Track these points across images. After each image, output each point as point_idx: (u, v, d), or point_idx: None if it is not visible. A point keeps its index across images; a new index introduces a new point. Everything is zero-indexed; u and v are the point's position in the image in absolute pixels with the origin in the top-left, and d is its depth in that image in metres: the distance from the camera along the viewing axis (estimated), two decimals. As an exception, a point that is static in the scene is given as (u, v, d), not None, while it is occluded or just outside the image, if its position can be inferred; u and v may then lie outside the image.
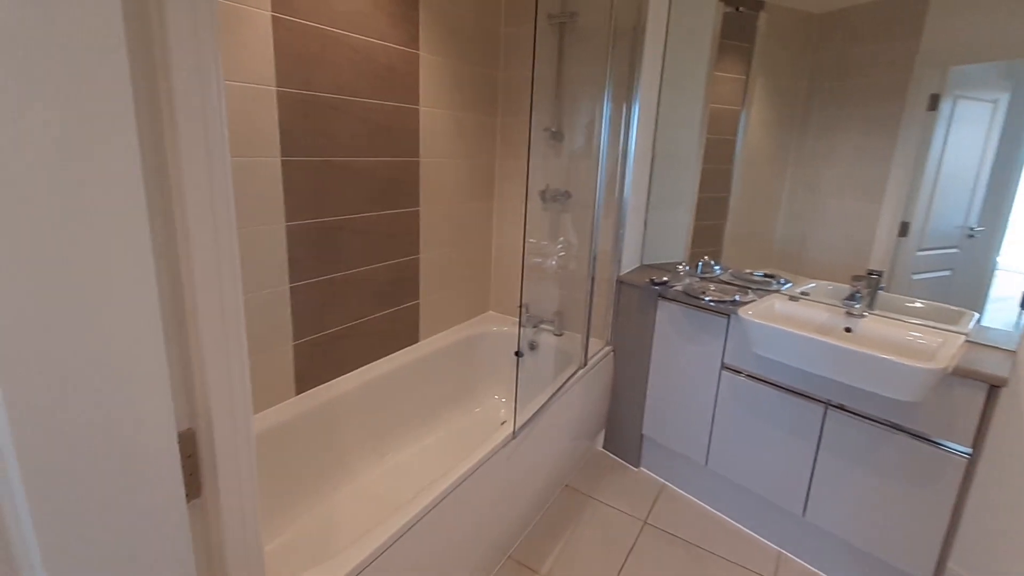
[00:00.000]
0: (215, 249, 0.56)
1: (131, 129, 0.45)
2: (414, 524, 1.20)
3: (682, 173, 2.15)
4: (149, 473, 0.52)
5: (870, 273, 1.56)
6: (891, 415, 1.44)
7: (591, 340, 2.09)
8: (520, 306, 2.14)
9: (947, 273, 1.68)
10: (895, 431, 1.43)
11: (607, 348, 2.17)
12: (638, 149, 2.00)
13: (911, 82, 1.66)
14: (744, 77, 2.00)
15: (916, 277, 1.70)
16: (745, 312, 1.58)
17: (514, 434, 1.52)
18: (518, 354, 2.33)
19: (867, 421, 1.48)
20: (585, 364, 2.02)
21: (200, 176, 0.53)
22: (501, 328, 2.40)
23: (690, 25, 2.01)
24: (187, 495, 0.57)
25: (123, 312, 0.47)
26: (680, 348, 1.92)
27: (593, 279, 2.05)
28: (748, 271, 1.99)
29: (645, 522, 1.88)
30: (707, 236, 2.13)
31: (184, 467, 0.56)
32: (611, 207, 2.06)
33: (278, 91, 1.43)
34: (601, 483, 2.09)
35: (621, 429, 2.22)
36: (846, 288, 1.68)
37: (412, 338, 2.13)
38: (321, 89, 1.54)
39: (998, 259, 1.55)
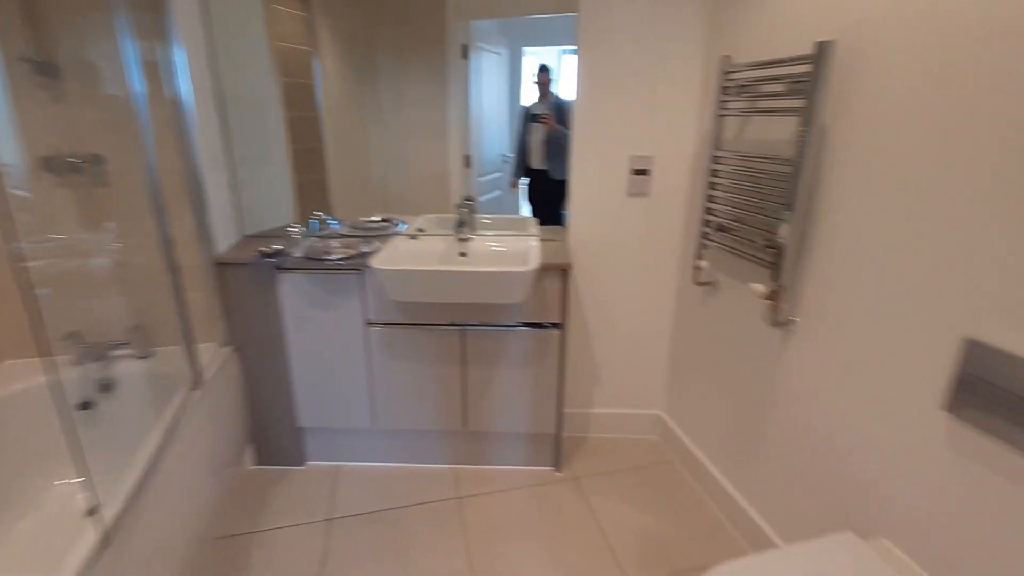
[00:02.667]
0: None
1: None
2: None
3: (265, 123, 1.83)
4: None
5: (466, 200, 1.75)
6: (507, 317, 1.69)
7: (201, 347, 1.60)
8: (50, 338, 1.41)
9: (499, 192, 2.07)
10: (513, 329, 1.70)
11: (226, 350, 1.72)
12: (197, 93, 1.55)
13: (447, 33, 1.86)
14: (306, 15, 1.80)
15: (483, 199, 2.02)
16: (376, 262, 1.51)
17: (107, 538, 1.00)
18: (84, 406, 1.59)
19: (494, 329, 1.70)
20: (199, 381, 1.54)
21: None
22: (36, 380, 1.55)
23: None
24: None
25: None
26: (318, 319, 1.70)
27: (176, 270, 1.53)
28: (364, 219, 1.92)
29: (330, 519, 1.68)
30: (313, 191, 1.92)
31: None
32: (175, 171, 1.55)
33: None
34: (263, 508, 1.72)
35: (273, 433, 1.87)
36: (452, 217, 1.83)
37: None
38: None
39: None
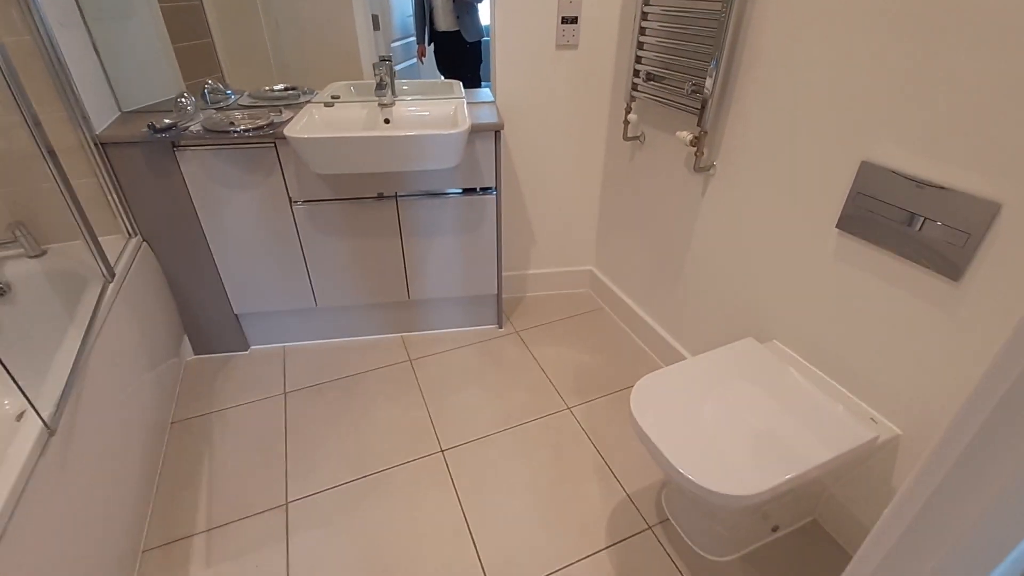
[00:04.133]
0: None
1: None
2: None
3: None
4: None
5: (383, 59, 1.59)
6: (441, 184, 1.66)
7: (105, 240, 1.46)
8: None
9: (413, 61, 1.89)
10: (448, 196, 1.68)
11: (135, 240, 1.58)
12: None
13: None
14: None
15: (397, 68, 1.85)
16: (292, 131, 1.38)
17: (50, 429, 0.98)
18: (-21, 311, 1.44)
19: (427, 197, 1.67)
20: (112, 275, 1.43)
21: None
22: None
23: None
24: None
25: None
26: (233, 200, 1.58)
27: (52, 154, 1.32)
28: (267, 89, 1.71)
29: (285, 393, 1.73)
30: (198, 58, 1.65)
31: None
32: (20, 31, 1.27)
33: None
34: (214, 391, 1.74)
35: (208, 322, 1.82)
36: (370, 83, 1.68)
37: None
38: None
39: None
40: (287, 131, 1.38)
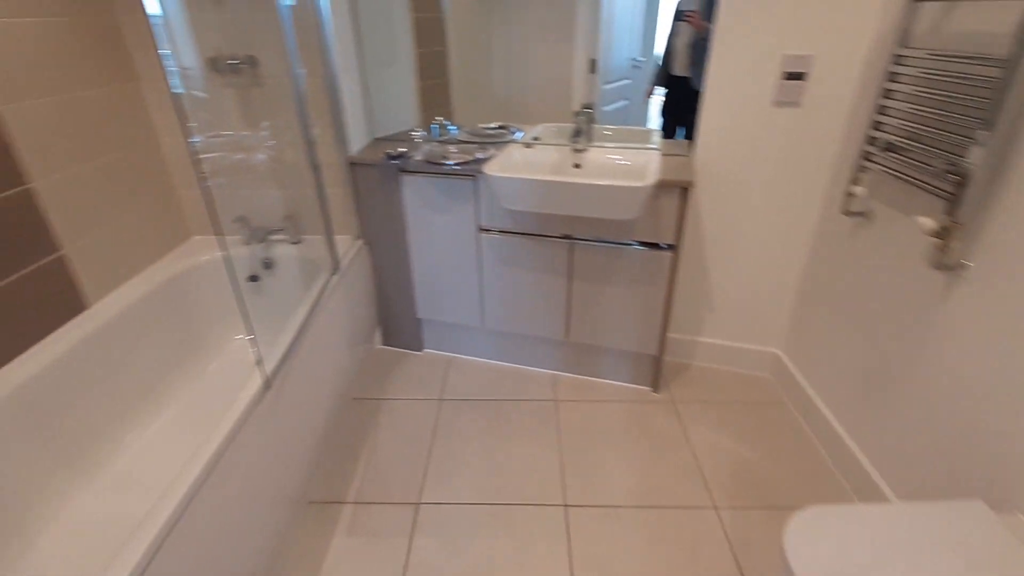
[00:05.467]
0: None
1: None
2: (166, 536, 0.89)
3: (393, 25, 1.84)
4: None
5: (585, 108, 1.65)
6: (618, 234, 1.63)
7: (338, 238, 1.80)
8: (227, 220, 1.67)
9: (626, 102, 1.89)
10: (623, 246, 1.65)
11: (359, 243, 1.92)
12: (330, -7, 1.59)
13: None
14: None
15: (607, 109, 1.88)
16: (490, 169, 1.52)
17: (267, 383, 1.23)
18: (253, 279, 1.92)
19: (602, 244, 1.66)
20: (337, 268, 1.75)
21: None
22: (216, 253, 1.88)
23: None
24: None
25: None
26: (435, 221, 1.80)
27: (318, 167, 1.69)
28: (482, 126, 1.91)
29: (441, 399, 1.89)
30: (435, 96, 1.94)
31: None
32: (316, 73, 1.65)
33: None
34: (389, 381, 1.99)
35: (396, 320, 2.10)
36: (570, 127, 1.75)
37: (74, 306, 1.47)
38: None
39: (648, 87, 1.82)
40: (485, 168, 1.52)
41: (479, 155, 1.67)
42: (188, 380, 1.76)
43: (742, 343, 1.97)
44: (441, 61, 1.90)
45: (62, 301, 1.43)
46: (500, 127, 1.90)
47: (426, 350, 2.16)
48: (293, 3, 1.44)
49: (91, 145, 1.51)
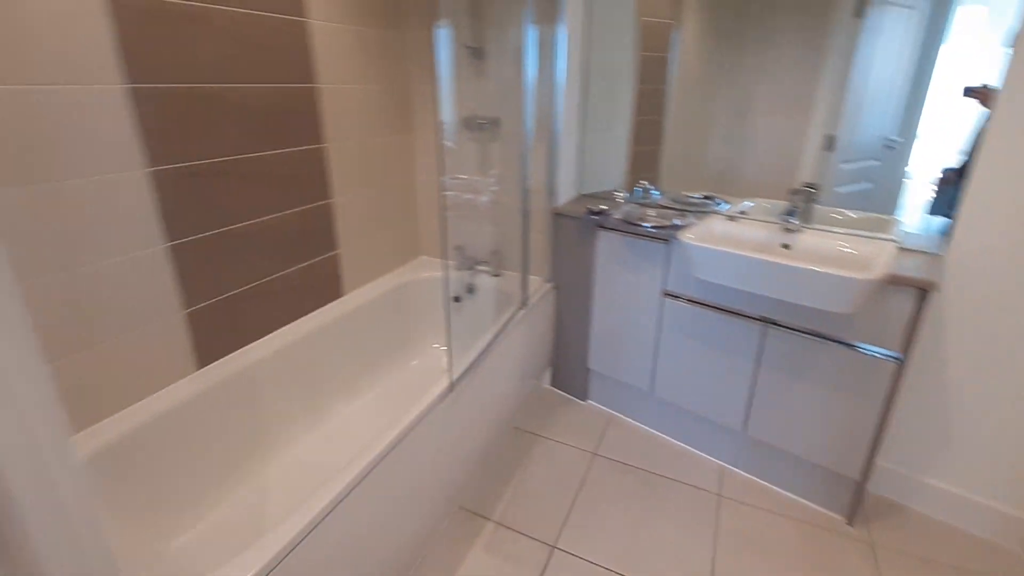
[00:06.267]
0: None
1: None
2: (347, 494, 1.09)
3: (617, 94, 2.01)
4: None
5: (806, 186, 1.52)
6: (826, 327, 1.44)
7: (531, 278, 1.98)
8: (450, 247, 1.98)
9: (868, 185, 1.67)
10: (830, 342, 1.45)
11: (548, 285, 2.08)
12: (569, 67, 1.82)
13: (839, -14, 1.56)
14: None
15: (840, 190, 1.68)
16: (685, 236, 1.51)
17: (451, 387, 1.42)
18: (456, 299, 2.22)
19: (803, 335, 1.49)
20: (525, 304, 1.92)
21: None
22: (435, 273, 2.24)
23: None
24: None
25: None
26: (622, 278, 1.85)
27: (527, 213, 1.91)
28: (686, 194, 1.92)
29: (595, 454, 1.88)
30: (644, 161, 2.02)
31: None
32: (543, 134, 1.89)
33: (112, -6, 1.13)
34: (549, 421, 2.06)
35: (567, 365, 2.18)
36: (783, 204, 1.64)
37: (334, 293, 1.93)
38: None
39: (907, 169, 1.56)
40: (680, 235, 1.52)
41: (676, 221, 1.68)
42: (393, 369, 2.12)
43: (987, 499, 1.52)
44: (656, 129, 1.98)
45: (329, 287, 1.91)
46: (705, 197, 1.87)
47: (590, 401, 2.18)
48: (536, 77, 1.69)
49: (372, 176, 1.99)
